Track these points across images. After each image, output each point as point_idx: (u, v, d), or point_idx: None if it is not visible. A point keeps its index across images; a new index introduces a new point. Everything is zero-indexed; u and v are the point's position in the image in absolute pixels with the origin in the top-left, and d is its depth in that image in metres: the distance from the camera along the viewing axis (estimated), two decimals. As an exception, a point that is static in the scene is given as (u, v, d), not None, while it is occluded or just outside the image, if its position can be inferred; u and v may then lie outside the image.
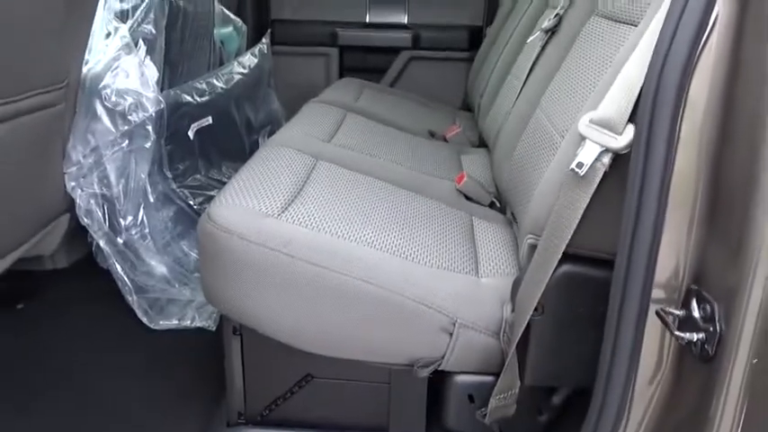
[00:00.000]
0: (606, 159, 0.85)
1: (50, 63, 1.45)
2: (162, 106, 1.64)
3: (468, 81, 2.73)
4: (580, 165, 0.87)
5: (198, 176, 2.08)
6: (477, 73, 2.56)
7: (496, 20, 2.62)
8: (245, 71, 2.23)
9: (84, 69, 1.57)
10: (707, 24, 0.70)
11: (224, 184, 1.58)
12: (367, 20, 2.97)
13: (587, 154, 0.87)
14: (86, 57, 1.58)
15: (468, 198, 1.57)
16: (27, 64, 1.36)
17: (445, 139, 2.20)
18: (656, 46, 0.75)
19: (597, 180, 0.86)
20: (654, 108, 0.74)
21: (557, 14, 1.53)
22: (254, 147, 2.33)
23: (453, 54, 2.98)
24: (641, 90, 0.79)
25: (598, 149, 0.86)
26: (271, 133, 2.35)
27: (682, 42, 0.71)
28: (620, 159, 0.84)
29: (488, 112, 2.03)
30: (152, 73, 1.63)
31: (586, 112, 0.92)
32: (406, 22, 2.97)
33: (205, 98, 1.98)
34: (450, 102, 2.82)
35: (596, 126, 0.87)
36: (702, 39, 0.70)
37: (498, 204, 1.56)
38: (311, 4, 2.99)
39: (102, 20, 1.63)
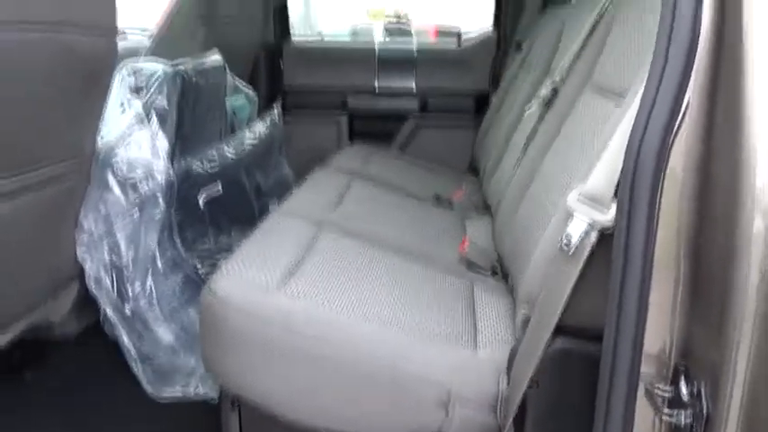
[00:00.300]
0: (593, 237, 0.86)
1: (64, 137, 1.50)
2: (172, 177, 1.69)
3: (475, 146, 2.78)
4: (568, 241, 0.89)
5: (207, 243, 2.12)
6: (483, 138, 2.61)
7: (501, 86, 2.69)
8: (256, 139, 2.30)
9: (99, 141, 1.64)
10: (679, 111, 0.72)
11: (232, 250, 1.61)
12: (376, 85, 3.05)
13: (575, 229, 0.89)
14: (101, 129, 1.64)
15: (470, 264, 1.59)
16: (40, 139, 1.41)
17: (451, 203, 2.23)
18: (633, 127, 0.77)
19: (585, 256, 0.87)
20: (633, 187, 0.76)
21: (553, 86, 1.58)
22: (264, 212, 2.37)
23: (460, 118, 3.04)
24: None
25: (585, 224, 0.88)
26: (281, 198, 2.40)
27: (656, 128, 0.74)
28: (608, 235, 0.86)
29: (492, 178, 2.06)
30: (163, 145, 1.69)
31: (577, 185, 0.95)
32: (413, 88, 3.05)
33: (215, 167, 2.04)
34: (457, 166, 2.86)
35: (585, 200, 0.90)
36: (675, 124, 0.73)
37: (500, 272, 1.57)
38: (322, 71, 3.08)
39: (118, 93, 1.71)
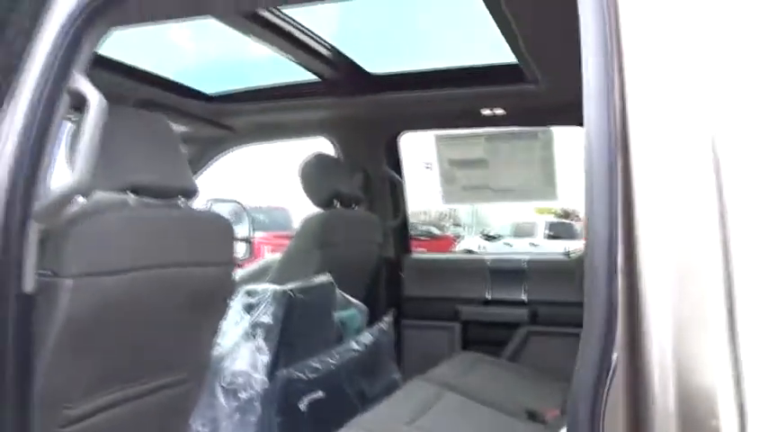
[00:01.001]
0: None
1: (185, 350, 1.80)
2: (267, 386, 1.92)
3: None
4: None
5: (307, 446, 2.27)
6: (589, 352, 2.60)
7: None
8: (361, 349, 2.50)
9: (214, 352, 1.93)
10: (608, 369, 0.81)
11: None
12: (488, 297, 3.20)
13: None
14: (217, 342, 1.95)
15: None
16: (166, 353, 1.72)
17: (545, 420, 2.21)
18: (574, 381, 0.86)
19: None
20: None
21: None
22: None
23: (573, 328, 3.04)
24: None
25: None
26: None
27: (588, 383, 0.82)
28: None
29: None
30: (264, 357, 1.95)
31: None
32: (524, 299, 3.15)
33: (317, 375, 2.25)
34: (570, 376, 2.82)
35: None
36: (605, 383, 0.81)
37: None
38: (438, 282, 3.30)
39: (234, 310, 2.03)
